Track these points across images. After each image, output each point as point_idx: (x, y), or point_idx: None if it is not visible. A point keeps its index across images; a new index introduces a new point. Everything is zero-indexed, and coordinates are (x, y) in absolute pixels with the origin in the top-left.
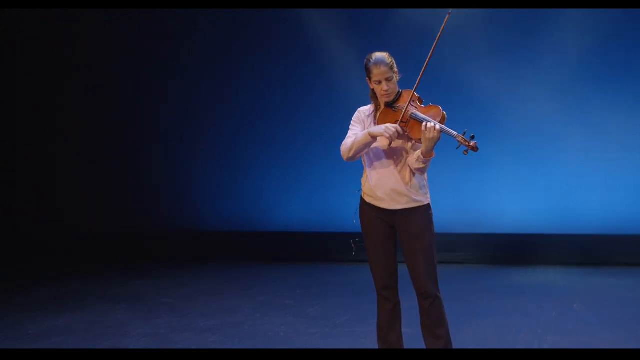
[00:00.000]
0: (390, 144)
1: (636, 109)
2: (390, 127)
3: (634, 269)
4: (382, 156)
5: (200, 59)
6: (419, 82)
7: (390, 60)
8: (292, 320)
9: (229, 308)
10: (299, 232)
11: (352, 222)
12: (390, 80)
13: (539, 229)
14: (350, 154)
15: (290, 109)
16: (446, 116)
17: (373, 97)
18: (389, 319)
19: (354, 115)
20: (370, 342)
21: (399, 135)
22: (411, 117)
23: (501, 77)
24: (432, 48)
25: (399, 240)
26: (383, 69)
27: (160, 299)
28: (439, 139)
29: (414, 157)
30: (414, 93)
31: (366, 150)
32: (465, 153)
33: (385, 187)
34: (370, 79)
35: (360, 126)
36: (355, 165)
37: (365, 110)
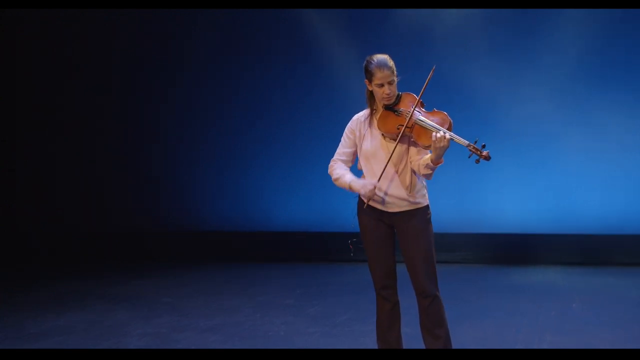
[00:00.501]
0: (367, 202)
1: (636, 108)
2: (368, 186)
3: (633, 269)
4: (382, 161)
5: (200, 59)
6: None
7: (392, 63)
8: (292, 319)
9: (229, 308)
10: (299, 232)
11: (352, 222)
12: (392, 84)
13: (539, 228)
14: (335, 184)
15: (290, 109)
16: (452, 123)
17: (370, 100)
18: (388, 318)
19: (347, 126)
20: (370, 341)
21: (374, 194)
22: (416, 123)
23: (501, 77)
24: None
25: (397, 240)
26: (386, 72)
27: (161, 299)
28: (447, 147)
29: (422, 164)
30: (419, 99)
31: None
32: (477, 162)
33: (385, 191)
34: (370, 81)
35: (352, 141)
36: (355, 166)
37: (360, 116)
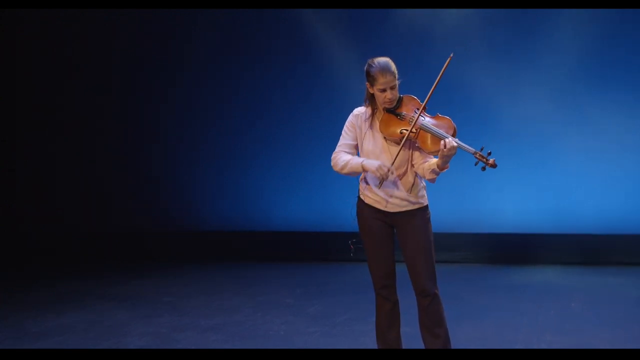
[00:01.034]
0: (381, 183)
1: (636, 108)
2: (383, 167)
3: (632, 268)
4: (384, 160)
5: (200, 59)
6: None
7: (394, 67)
8: (292, 319)
9: (229, 307)
10: (299, 232)
11: (352, 222)
12: (394, 89)
13: (538, 228)
14: (343, 172)
15: (290, 109)
16: (456, 129)
17: (370, 101)
18: (388, 318)
19: (348, 120)
20: (370, 340)
21: (390, 175)
22: (421, 129)
23: (501, 77)
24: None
25: (397, 240)
26: (389, 77)
27: (161, 299)
28: (454, 154)
29: (428, 168)
30: (424, 105)
31: (356, 175)
32: (483, 169)
33: (386, 192)
34: (372, 85)
35: (353, 134)
36: None
37: (361, 113)
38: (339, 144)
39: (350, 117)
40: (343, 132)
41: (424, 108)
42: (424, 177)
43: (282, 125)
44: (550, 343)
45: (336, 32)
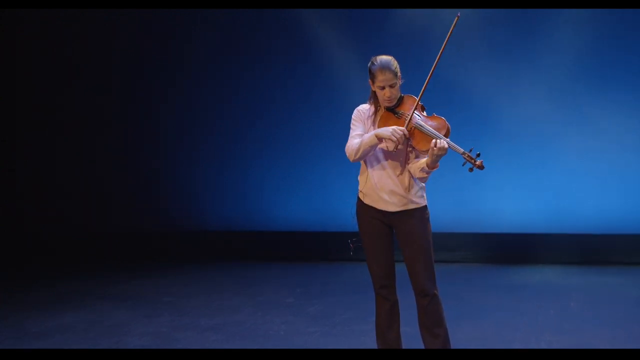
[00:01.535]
0: (396, 147)
1: (635, 108)
2: (398, 130)
3: (632, 268)
4: (382, 159)
5: (200, 59)
6: (423, 91)
7: (395, 66)
8: (292, 319)
9: (229, 307)
10: (299, 232)
11: (352, 221)
12: (394, 87)
13: (538, 228)
14: (358, 156)
15: (290, 109)
16: (450, 129)
17: (373, 98)
18: (388, 318)
19: (354, 114)
20: (370, 340)
21: (406, 139)
22: (415, 127)
23: (500, 77)
24: (440, 52)
25: (396, 240)
26: (388, 75)
27: (161, 299)
28: (444, 154)
29: (417, 167)
30: (418, 102)
31: (372, 152)
32: (471, 170)
33: (385, 190)
34: (373, 82)
35: (362, 124)
36: (355, 165)
37: (365, 110)
38: (350, 136)
39: (355, 112)
40: (352, 125)
41: (419, 104)
42: (415, 176)
43: (282, 125)
44: (550, 343)
45: (336, 32)
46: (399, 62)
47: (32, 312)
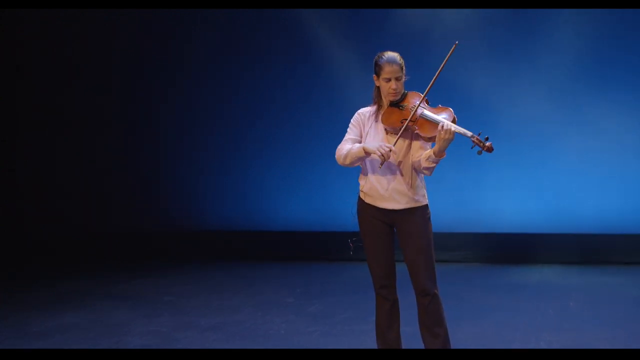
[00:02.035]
0: (382, 162)
1: (635, 108)
2: (384, 147)
3: (631, 268)
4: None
5: (200, 59)
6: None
7: (401, 60)
8: (292, 318)
9: (229, 307)
10: (299, 232)
11: (352, 221)
12: (400, 80)
13: (537, 228)
14: (346, 163)
15: (290, 109)
16: (456, 119)
17: (376, 96)
18: (388, 317)
19: (353, 118)
20: (370, 340)
21: (392, 154)
22: (421, 116)
23: (500, 77)
24: (436, 75)
25: (397, 240)
26: (395, 67)
27: (162, 298)
28: (452, 139)
29: (424, 157)
30: (425, 96)
31: (361, 162)
32: (479, 153)
33: (387, 186)
34: (379, 75)
35: (358, 130)
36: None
37: (366, 112)
38: (344, 139)
39: (356, 115)
40: (348, 128)
41: (425, 98)
42: (421, 168)
43: (282, 125)
44: (549, 342)
45: (336, 32)
46: None
47: (33, 312)
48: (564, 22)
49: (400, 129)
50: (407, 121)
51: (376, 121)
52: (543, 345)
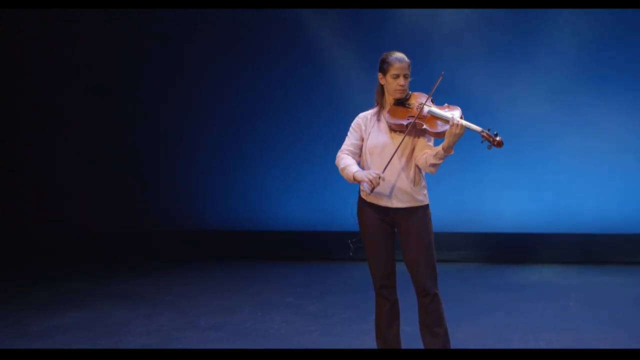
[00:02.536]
0: (372, 189)
1: (634, 108)
2: (372, 173)
3: (630, 268)
4: (388, 154)
5: (200, 59)
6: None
7: (408, 59)
8: (292, 318)
9: (230, 306)
10: (299, 232)
11: (351, 221)
12: (407, 78)
13: (537, 228)
14: (341, 175)
15: (290, 109)
16: (463, 117)
17: (379, 95)
18: (388, 317)
19: (353, 122)
20: (370, 339)
21: (381, 180)
22: (429, 113)
23: (500, 77)
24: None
25: (397, 239)
26: (404, 64)
27: (162, 298)
28: (462, 135)
29: (432, 153)
30: (430, 96)
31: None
32: (489, 148)
33: (390, 184)
34: (386, 72)
35: (358, 134)
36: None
37: (366, 114)
38: (345, 143)
39: (356, 119)
40: (349, 132)
41: (431, 98)
42: (426, 165)
43: (282, 125)
44: (549, 342)
45: (336, 32)
46: None
47: (33, 312)
48: (564, 22)
49: (408, 127)
50: (414, 118)
51: (379, 120)
52: (543, 345)
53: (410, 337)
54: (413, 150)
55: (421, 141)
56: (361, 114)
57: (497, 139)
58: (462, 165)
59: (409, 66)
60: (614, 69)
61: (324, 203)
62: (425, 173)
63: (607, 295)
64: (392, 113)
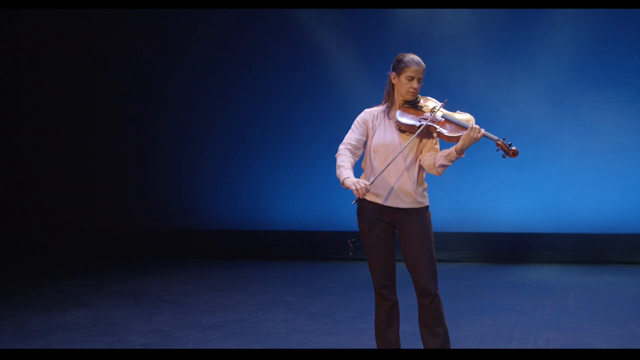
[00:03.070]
0: (358, 199)
1: (630, 108)
2: (361, 183)
3: (628, 267)
4: (393, 153)
5: (200, 59)
6: (444, 104)
7: (424, 64)
8: (292, 317)
9: (230, 305)
10: (299, 231)
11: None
12: (420, 82)
13: (535, 228)
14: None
15: (290, 109)
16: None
17: (389, 94)
18: (387, 317)
19: (359, 116)
20: (370, 338)
21: (366, 190)
22: (444, 117)
23: (497, 78)
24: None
25: (397, 240)
26: (420, 68)
27: (163, 297)
28: (478, 140)
29: (443, 154)
30: (443, 104)
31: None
32: (504, 157)
33: (392, 184)
34: (400, 73)
35: (363, 129)
36: (356, 164)
37: (374, 110)
38: (347, 136)
39: (362, 114)
40: (353, 126)
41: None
42: (433, 168)
43: (282, 125)
44: (547, 341)
45: (336, 32)
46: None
47: (33, 312)
48: (562, 22)
49: (420, 128)
50: (427, 121)
51: (388, 118)
52: (541, 344)
53: (410, 337)
54: (418, 151)
55: (429, 143)
56: (367, 110)
57: (512, 148)
58: (461, 166)
59: (424, 71)
60: (610, 69)
61: (324, 203)
62: (427, 174)
63: (606, 295)
64: (403, 112)
